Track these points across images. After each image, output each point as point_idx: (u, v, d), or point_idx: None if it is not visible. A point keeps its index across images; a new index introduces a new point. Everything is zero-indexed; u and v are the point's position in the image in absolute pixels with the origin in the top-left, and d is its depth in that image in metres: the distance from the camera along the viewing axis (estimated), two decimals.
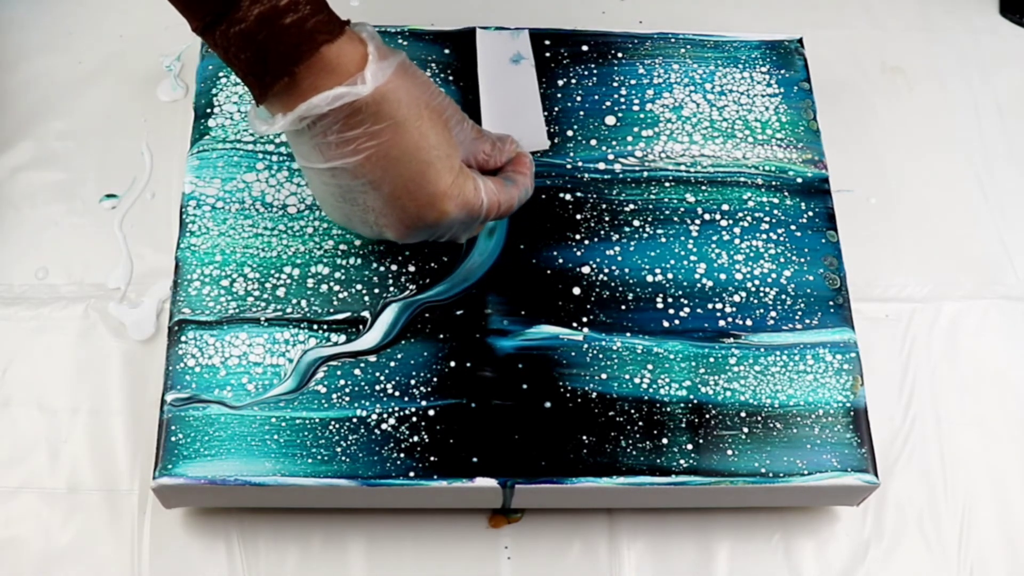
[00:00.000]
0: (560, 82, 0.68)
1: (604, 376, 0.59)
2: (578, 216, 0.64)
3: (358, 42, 0.51)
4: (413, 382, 0.59)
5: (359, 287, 0.61)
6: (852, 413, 0.59)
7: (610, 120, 0.67)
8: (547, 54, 0.69)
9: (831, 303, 0.62)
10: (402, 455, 0.57)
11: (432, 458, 0.57)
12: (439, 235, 0.56)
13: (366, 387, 0.58)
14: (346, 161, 0.52)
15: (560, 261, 0.62)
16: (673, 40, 0.70)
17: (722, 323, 0.61)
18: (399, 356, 0.59)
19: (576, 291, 0.62)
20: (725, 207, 0.64)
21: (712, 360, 0.60)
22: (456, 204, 0.54)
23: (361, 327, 0.60)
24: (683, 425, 0.58)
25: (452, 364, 0.59)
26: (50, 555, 0.60)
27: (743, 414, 0.59)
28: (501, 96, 0.66)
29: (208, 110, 0.65)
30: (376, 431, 0.57)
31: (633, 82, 0.68)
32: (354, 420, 0.57)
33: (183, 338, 0.59)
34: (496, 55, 0.68)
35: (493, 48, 0.68)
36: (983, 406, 0.67)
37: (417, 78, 0.53)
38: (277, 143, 0.65)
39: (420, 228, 0.54)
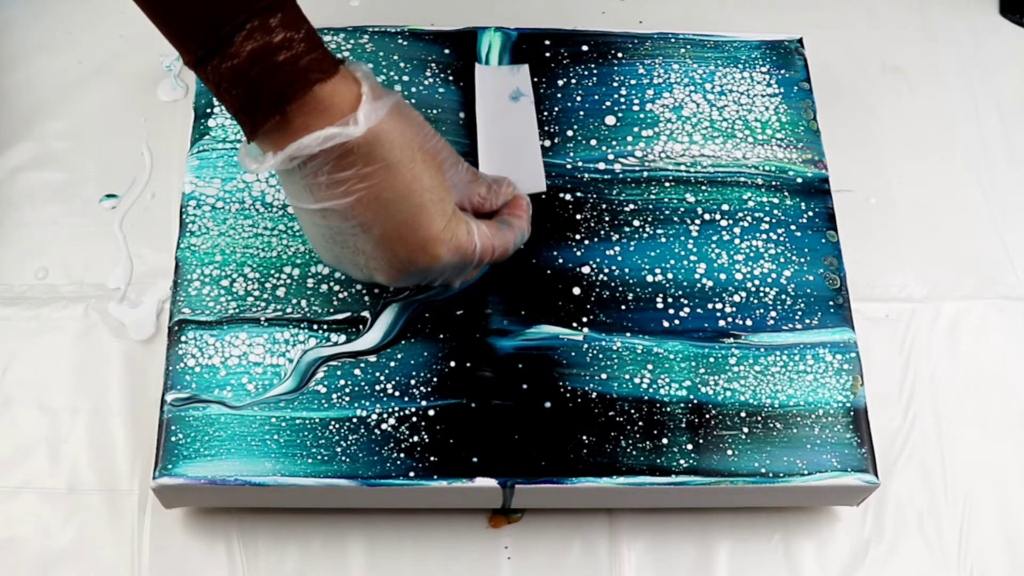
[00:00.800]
0: (560, 82, 0.68)
1: (604, 376, 0.59)
2: (578, 216, 0.64)
3: (352, 81, 0.50)
4: (413, 382, 0.59)
5: (359, 287, 0.61)
6: (852, 413, 0.59)
7: (610, 120, 0.67)
8: (547, 54, 0.69)
9: (831, 303, 0.62)
10: (402, 455, 0.57)
11: (432, 458, 0.57)
12: (431, 279, 0.56)
13: (366, 387, 0.58)
14: (337, 202, 0.51)
15: (560, 261, 0.62)
16: (673, 40, 0.70)
17: (722, 323, 0.61)
18: (399, 356, 0.59)
19: (576, 291, 0.62)
20: (725, 207, 0.64)
21: (712, 360, 0.60)
22: (448, 248, 0.53)
23: (361, 327, 0.60)
24: (683, 425, 0.58)
25: (452, 364, 0.59)
26: (50, 555, 0.60)
27: (743, 414, 0.59)
28: (499, 135, 0.65)
29: (208, 110, 0.65)
30: (376, 431, 0.57)
31: (633, 82, 0.68)
32: (354, 420, 0.57)
33: (183, 338, 0.59)
34: (495, 91, 0.66)
35: (492, 84, 0.67)
36: (983, 406, 0.67)
37: (412, 119, 0.52)
38: None
39: (411, 272, 0.54)
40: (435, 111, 0.66)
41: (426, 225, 0.52)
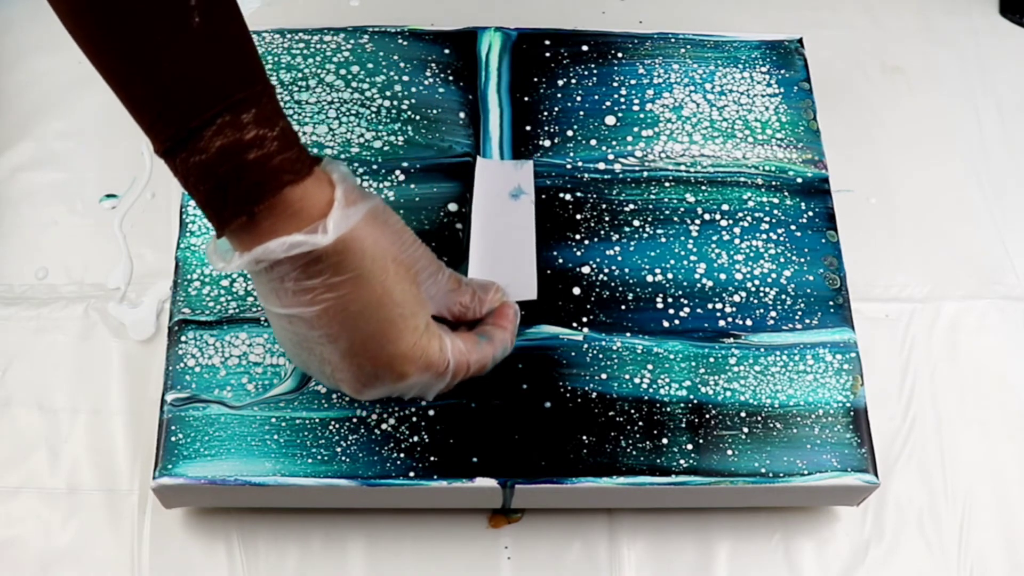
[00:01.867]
0: (560, 82, 0.68)
1: (604, 376, 0.59)
2: (578, 216, 0.64)
3: (326, 184, 0.47)
4: None
5: None
6: (852, 413, 0.59)
7: (610, 120, 0.67)
8: (547, 54, 0.69)
9: (831, 303, 0.62)
10: (402, 455, 0.57)
11: (432, 458, 0.57)
12: (400, 394, 0.52)
13: None
14: (303, 310, 0.48)
15: (560, 261, 0.62)
16: (673, 40, 0.70)
17: (722, 323, 0.61)
18: None
19: (576, 291, 0.62)
20: (725, 207, 0.64)
21: (712, 360, 0.60)
22: (417, 367, 0.50)
23: None
24: (683, 425, 0.58)
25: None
26: (50, 555, 0.60)
27: (743, 414, 0.59)
28: (494, 235, 0.62)
29: None
30: (376, 431, 0.57)
31: (633, 82, 0.68)
32: (354, 420, 0.57)
33: (183, 338, 0.59)
34: (495, 187, 0.64)
35: (493, 179, 0.64)
36: (983, 406, 0.67)
37: (388, 227, 0.49)
38: None
39: (377, 387, 0.51)
40: (435, 111, 0.66)
41: (394, 341, 0.49)
